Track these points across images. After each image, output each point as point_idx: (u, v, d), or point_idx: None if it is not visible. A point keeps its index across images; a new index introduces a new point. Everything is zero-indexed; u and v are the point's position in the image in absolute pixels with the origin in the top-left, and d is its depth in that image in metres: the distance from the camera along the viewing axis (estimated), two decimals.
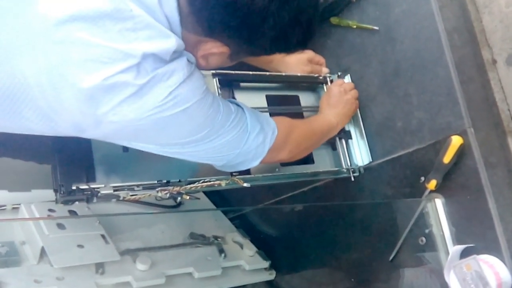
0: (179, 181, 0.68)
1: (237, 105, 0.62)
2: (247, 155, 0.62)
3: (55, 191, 0.66)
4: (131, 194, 0.64)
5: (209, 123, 0.56)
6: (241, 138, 0.60)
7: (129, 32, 0.49)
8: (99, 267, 0.69)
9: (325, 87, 0.91)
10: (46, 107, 0.51)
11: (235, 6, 0.50)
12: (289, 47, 0.58)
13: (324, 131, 0.79)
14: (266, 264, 0.91)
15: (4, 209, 0.71)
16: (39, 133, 0.55)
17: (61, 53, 0.49)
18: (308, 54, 0.88)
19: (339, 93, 0.82)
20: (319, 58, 0.90)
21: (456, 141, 0.70)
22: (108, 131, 0.53)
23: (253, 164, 0.64)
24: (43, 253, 0.66)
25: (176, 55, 0.53)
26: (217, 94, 0.79)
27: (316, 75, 0.89)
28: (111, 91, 0.49)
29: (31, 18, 0.49)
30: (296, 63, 0.86)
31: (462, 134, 0.71)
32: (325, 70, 0.90)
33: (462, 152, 0.71)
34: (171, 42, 0.51)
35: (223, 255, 0.86)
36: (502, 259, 0.66)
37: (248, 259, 0.89)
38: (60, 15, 0.48)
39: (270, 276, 0.92)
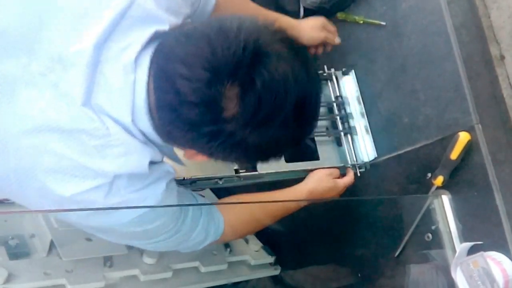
0: (184, 179, 0.68)
1: (200, 209, 0.62)
2: (182, 249, 0.65)
3: None
4: None
5: (161, 233, 0.57)
6: (181, 243, 0.62)
7: (104, 148, 0.48)
8: (107, 260, 0.70)
9: (329, 83, 0.91)
10: (8, 193, 0.52)
11: (197, 139, 0.47)
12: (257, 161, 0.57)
13: (280, 212, 0.75)
14: (271, 259, 0.91)
15: (14, 202, 0.72)
16: None
17: (33, 158, 0.48)
18: (322, 20, 0.85)
19: (330, 190, 0.77)
20: (331, 27, 0.86)
21: (463, 137, 0.70)
22: (66, 222, 0.55)
23: (187, 251, 0.66)
24: (52, 246, 0.67)
25: (155, 177, 0.52)
26: None
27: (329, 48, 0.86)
28: (78, 205, 0.49)
29: (9, 117, 0.48)
30: (310, 29, 0.83)
31: (470, 130, 0.70)
32: (337, 40, 0.87)
33: (469, 149, 0.70)
34: (145, 155, 0.50)
35: (228, 249, 0.86)
36: (509, 256, 0.66)
37: (253, 254, 0.89)
38: (38, 122, 0.47)
39: (275, 271, 0.92)
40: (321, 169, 0.79)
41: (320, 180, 0.76)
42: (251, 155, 0.50)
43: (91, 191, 0.48)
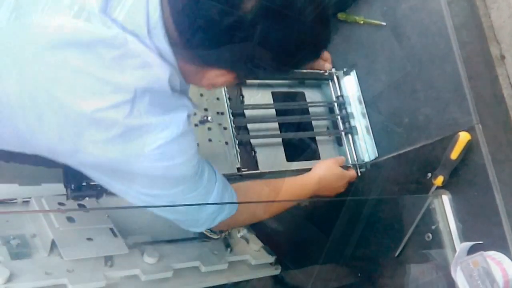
0: None
1: (214, 174, 0.61)
2: (195, 221, 0.63)
3: (66, 187, 0.68)
4: None
5: (181, 183, 0.55)
6: (197, 210, 0.60)
7: (122, 59, 0.48)
8: (108, 260, 0.70)
9: (330, 83, 0.91)
10: (24, 128, 0.50)
11: (219, 38, 0.47)
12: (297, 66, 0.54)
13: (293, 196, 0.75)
14: (271, 259, 0.91)
15: (15, 202, 0.72)
16: (4, 146, 0.53)
17: (51, 76, 0.47)
18: None
19: (338, 177, 0.79)
20: (326, 54, 0.89)
21: (463, 137, 0.70)
22: (83, 161, 0.52)
23: (200, 229, 0.64)
24: (53, 245, 0.67)
25: (176, 104, 0.51)
26: (223, 91, 0.80)
27: (321, 71, 0.89)
28: (98, 126, 0.48)
29: (24, 39, 0.48)
30: None
31: (470, 130, 0.71)
32: (328, 66, 0.89)
33: (469, 149, 0.71)
34: (164, 70, 0.49)
35: (229, 249, 0.86)
36: (509, 256, 0.66)
37: (254, 254, 0.89)
38: (55, 38, 0.47)
39: (276, 271, 0.92)
40: (328, 159, 0.81)
41: (328, 168, 0.79)
42: (273, 56, 0.49)
43: (111, 108, 0.47)
